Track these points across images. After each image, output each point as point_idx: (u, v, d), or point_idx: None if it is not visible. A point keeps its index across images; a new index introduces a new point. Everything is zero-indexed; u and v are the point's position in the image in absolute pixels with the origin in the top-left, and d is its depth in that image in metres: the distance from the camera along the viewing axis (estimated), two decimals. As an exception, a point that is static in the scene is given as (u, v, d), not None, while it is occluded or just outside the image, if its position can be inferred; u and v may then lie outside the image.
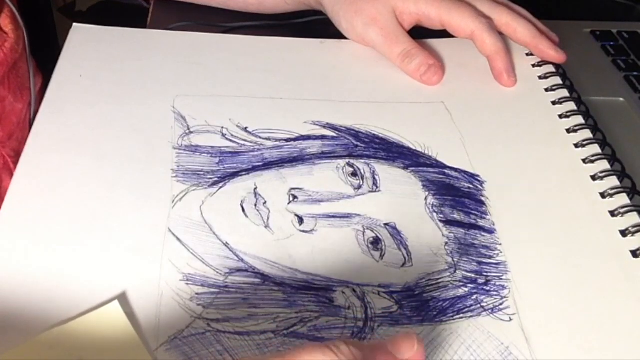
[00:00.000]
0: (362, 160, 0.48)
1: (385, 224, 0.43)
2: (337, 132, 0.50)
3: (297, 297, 0.39)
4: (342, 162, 0.47)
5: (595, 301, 0.41)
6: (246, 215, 0.43)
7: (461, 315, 0.39)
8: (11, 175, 0.48)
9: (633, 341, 0.39)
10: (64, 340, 0.35)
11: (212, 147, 0.47)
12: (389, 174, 0.47)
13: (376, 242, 0.42)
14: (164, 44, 0.57)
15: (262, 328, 0.37)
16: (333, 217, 0.44)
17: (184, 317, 0.37)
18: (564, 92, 0.55)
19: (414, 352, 0.28)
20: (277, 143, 0.48)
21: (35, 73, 0.54)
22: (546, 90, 0.55)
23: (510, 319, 0.39)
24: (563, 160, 0.49)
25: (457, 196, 0.46)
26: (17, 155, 0.49)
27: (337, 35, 0.59)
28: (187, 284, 0.39)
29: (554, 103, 0.54)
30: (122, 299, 0.38)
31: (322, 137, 0.49)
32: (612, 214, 0.46)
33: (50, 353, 0.35)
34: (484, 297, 0.40)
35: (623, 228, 0.45)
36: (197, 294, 0.39)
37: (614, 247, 0.44)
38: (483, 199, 0.46)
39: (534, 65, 0.58)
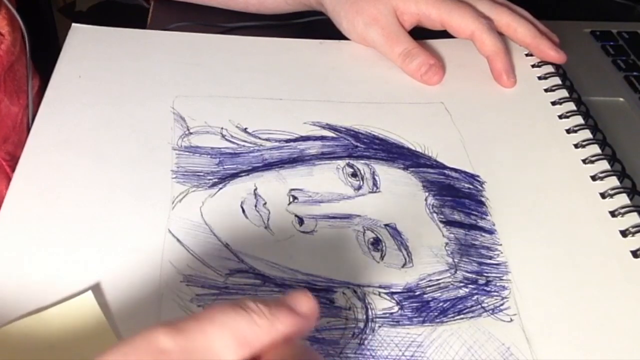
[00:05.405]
0: (362, 161, 0.47)
1: (386, 225, 0.43)
2: (336, 133, 0.50)
3: (297, 298, 0.39)
4: (342, 162, 0.47)
5: (595, 301, 0.41)
6: (246, 216, 0.43)
7: (462, 316, 0.39)
8: (7, 178, 0.48)
9: (633, 341, 0.39)
10: (36, 329, 0.36)
11: (212, 148, 0.47)
12: (389, 174, 0.47)
13: (376, 242, 0.42)
14: (164, 44, 0.57)
15: (262, 329, 0.37)
16: (333, 217, 0.44)
17: (184, 319, 0.37)
18: (564, 93, 0.55)
19: (310, 307, 0.30)
20: (277, 144, 0.48)
21: (33, 75, 0.54)
22: (546, 90, 0.55)
23: (511, 320, 0.39)
24: (563, 161, 0.49)
25: (457, 197, 0.46)
26: (12, 159, 0.49)
27: (337, 35, 0.59)
28: (188, 285, 0.39)
29: (553, 103, 0.54)
30: (96, 289, 0.38)
31: (322, 138, 0.49)
32: (612, 214, 0.45)
33: (22, 341, 0.35)
34: (484, 297, 0.40)
35: (623, 228, 0.45)
36: (197, 295, 0.39)
37: (614, 247, 0.44)
38: (483, 199, 0.46)
39: (533, 66, 0.58)
